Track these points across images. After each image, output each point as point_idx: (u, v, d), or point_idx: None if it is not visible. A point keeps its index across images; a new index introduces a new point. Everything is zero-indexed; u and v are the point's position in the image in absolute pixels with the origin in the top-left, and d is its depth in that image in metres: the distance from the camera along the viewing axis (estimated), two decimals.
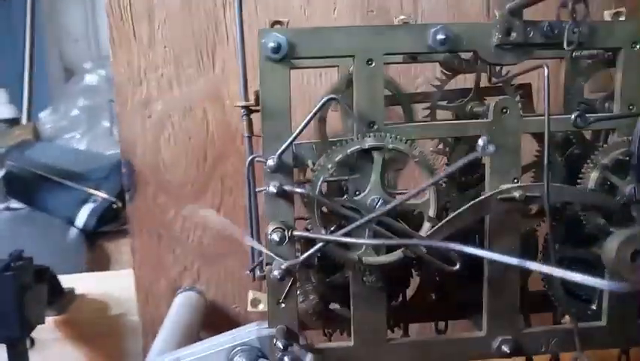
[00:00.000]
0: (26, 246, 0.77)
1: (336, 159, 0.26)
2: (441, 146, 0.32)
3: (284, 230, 0.26)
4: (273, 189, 0.26)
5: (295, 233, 0.26)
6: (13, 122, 1.30)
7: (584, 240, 0.30)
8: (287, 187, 0.26)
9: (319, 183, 0.26)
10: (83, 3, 2.55)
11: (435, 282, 0.31)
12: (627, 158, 0.28)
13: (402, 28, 0.28)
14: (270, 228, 0.26)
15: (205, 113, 0.46)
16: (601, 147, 0.29)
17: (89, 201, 0.92)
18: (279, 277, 0.25)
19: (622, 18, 0.34)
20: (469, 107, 0.32)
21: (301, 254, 0.27)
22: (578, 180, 0.29)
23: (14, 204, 0.87)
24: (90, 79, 1.19)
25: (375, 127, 0.27)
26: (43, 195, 0.90)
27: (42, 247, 0.79)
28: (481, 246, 0.29)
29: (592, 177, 0.28)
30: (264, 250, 0.26)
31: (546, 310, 0.33)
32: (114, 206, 0.95)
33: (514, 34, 0.27)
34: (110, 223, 0.95)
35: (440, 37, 0.27)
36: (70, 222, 0.89)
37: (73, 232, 0.87)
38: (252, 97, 0.30)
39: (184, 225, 0.47)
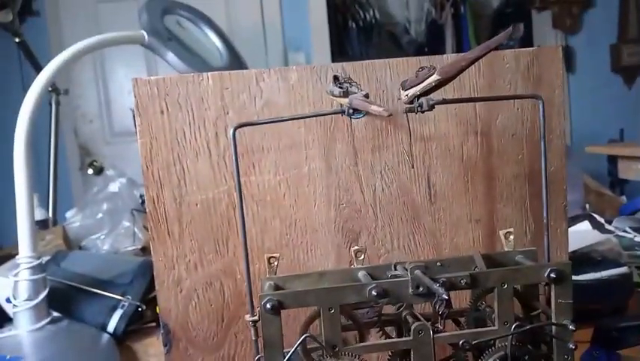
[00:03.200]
0: (68, 357, 0.92)
1: None
2: None
3: None
4: None
5: None
6: (43, 224, 1.46)
7: None
8: None
9: None
10: (97, 86, 2.77)
11: None
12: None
13: (350, 287, 0.43)
14: None
15: (222, 286, 0.62)
16: (487, 352, 0.44)
17: (118, 307, 1.07)
18: None
19: (511, 237, 0.50)
20: (404, 315, 0.47)
21: None
22: None
23: (54, 318, 1.02)
24: (113, 187, 1.36)
25: (337, 349, 0.43)
26: (80, 306, 1.05)
27: (80, 356, 0.94)
28: None
29: None
30: None
31: None
32: (140, 309, 1.10)
33: (421, 288, 0.43)
34: (135, 323, 1.10)
35: (374, 292, 0.42)
36: (103, 328, 1.04)
37: (105, 337, 1.02)
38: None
39: None
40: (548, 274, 0.43)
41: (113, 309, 1.07)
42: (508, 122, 0.63)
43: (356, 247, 0.50)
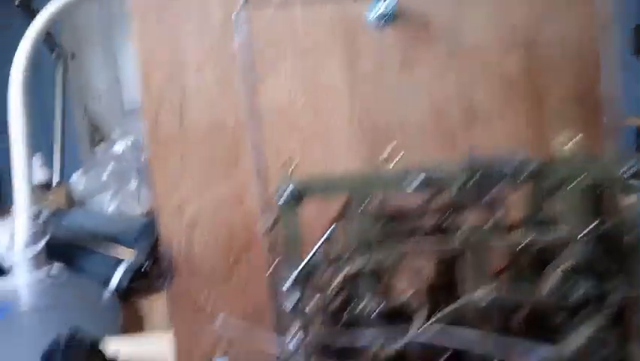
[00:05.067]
0: (67, 308, 0.86)
1: (335, 283, 0.35)
2: None
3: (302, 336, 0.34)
4: (290, 305, 0.34)
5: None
6: (46, 185, 1.41)
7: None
8: (301, 304, 0.34)
9: (328, 302, 0.35)
10: (106, 61, 2.72)
11: None
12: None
13: (388, 173, 0.36)
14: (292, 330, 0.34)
15: (230, 213, 0.55)
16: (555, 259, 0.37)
17: (122, 264, 1.02)
18: None
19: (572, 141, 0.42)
20: (450, 220, 0.40)
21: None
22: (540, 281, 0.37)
23: (54, 270, 0.96)
24: (118, 147, 1.31)
25: (370, 247, 0.36)
26: (82, 261, 1.00)
27: (80, 309, 0.88)
28: None
29: (551, 279, 0.36)
30: None
31: None
32: (144, 266, 1.04)
33: (477, 175, 0.36)
34: (140, 280, 1.04)
35: (417, 181, 0.35)
36: (106, 284, 0.98)
37: (108, 293, 0.96)
38: None
39: (215, 304, 0.56)
40: (629, 169, 0.36)
41: (117, 264, 1.01)
42: (556, 35, 0.56)
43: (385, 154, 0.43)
